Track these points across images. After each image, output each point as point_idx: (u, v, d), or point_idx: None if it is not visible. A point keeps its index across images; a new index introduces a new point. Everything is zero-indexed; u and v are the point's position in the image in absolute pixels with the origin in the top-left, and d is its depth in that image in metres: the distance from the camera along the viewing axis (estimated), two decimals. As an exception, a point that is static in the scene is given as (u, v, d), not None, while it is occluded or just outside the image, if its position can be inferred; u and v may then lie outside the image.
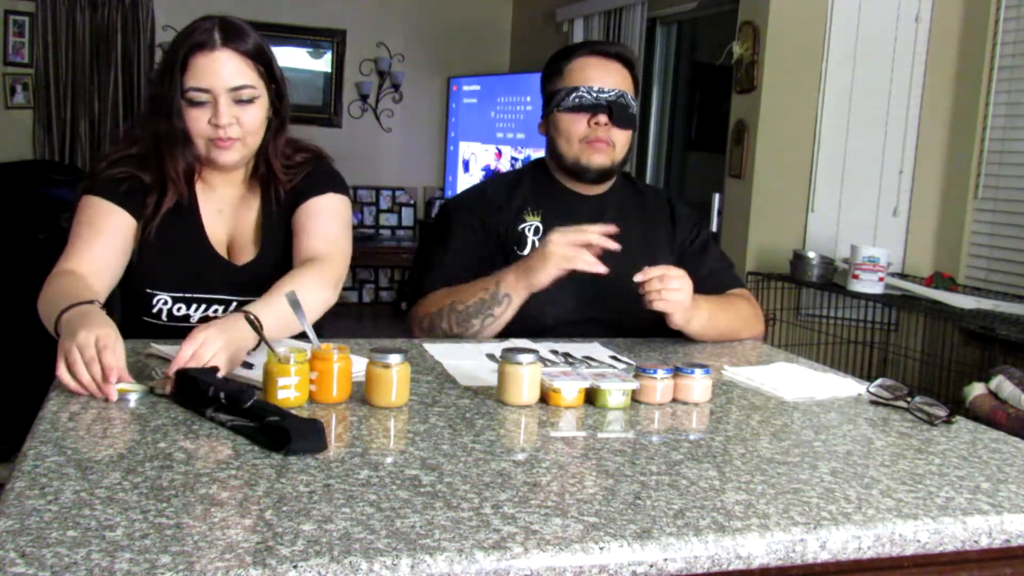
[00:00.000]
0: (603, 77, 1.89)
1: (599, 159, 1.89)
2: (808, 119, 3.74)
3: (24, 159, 5.40)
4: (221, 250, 1.70)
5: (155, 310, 1.65)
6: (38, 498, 0.87)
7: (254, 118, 1.62)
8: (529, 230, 1.93)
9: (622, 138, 1.91)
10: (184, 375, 1.21)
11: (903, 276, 3.54)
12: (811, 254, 3.51)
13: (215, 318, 1.51)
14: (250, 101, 1.60)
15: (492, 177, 2.12)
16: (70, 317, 1.31)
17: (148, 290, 1.65)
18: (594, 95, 1.87)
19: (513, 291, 1.73)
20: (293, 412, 1.15)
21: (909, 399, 1.39)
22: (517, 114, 5.46)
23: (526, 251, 1.90)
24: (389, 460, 1.04)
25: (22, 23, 5.47)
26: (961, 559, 0.98)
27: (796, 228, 3.78)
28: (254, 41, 1.62)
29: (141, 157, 1.66)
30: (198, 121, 1.59)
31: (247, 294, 1.61)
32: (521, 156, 5.39)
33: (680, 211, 2.05)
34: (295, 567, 0.76)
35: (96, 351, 1.21)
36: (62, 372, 1.22)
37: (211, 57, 1.57)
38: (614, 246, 1.66)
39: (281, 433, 1.04)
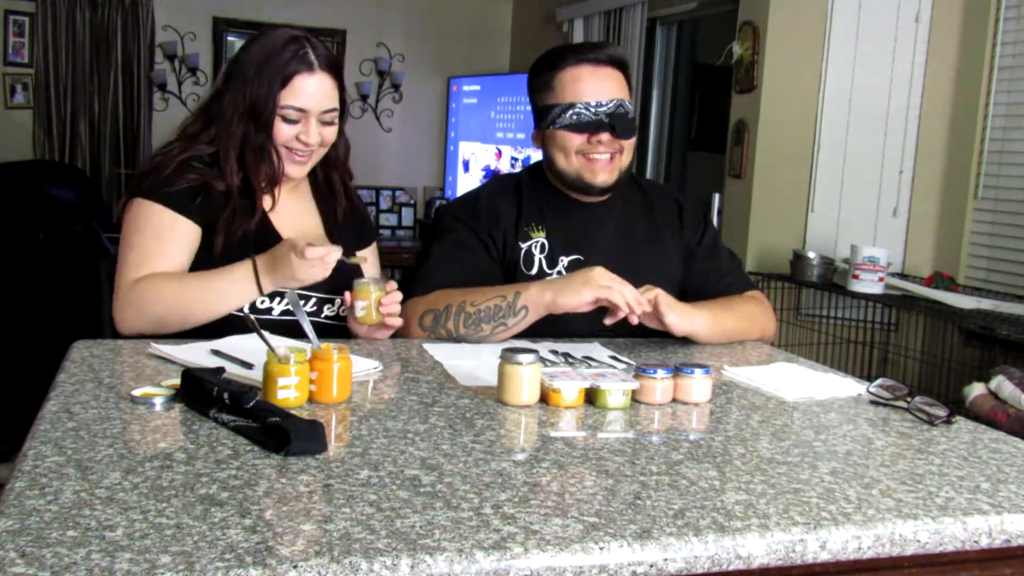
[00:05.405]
0: (598, 89, 1.78)
1: (603, 176, 1.81)
2: (808, 119, 3.74)
3: (24, 159, 5.39)
4: None
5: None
6: (38, 498, 0.87)
7: (332, 136, 1.73)
8: (536, 247, 1.85)
9: (626, 146, 1.84)
10: (189, 375, 1.21)
11: (903, 276, 3.54)
12: (811, 254, 3.51)
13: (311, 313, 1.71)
14: (332, 123, 1.71)
15: (487, 184, 2.01)
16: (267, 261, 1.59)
17: None
18: (592, 111, 1.76)
19: (532, 305, 1.66)
20: (293, 412, 1.15)
21: (909, 399, 1.39)
22: (517, 114, 5.45)
23: (534, 271, 1.84)
24: (389, 460, 1.04)
25: (22, 23, 5.46)
26: (961, 559, 0.98)
27: (796, 228, 3.78)
28: (339, 64, 1.73)
29: (214, 157, 1.70)
30: (284, 134, 1.68)
31: (331, 291, 1.75)
32: (521, 156, 5.38)
33: (688, 210, 1.99)
34: (295, 567, 0.76)
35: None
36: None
37: (312, 80, 1.66)
38: (647, 308, 1.66)
39: (281, 434, 1.04)
